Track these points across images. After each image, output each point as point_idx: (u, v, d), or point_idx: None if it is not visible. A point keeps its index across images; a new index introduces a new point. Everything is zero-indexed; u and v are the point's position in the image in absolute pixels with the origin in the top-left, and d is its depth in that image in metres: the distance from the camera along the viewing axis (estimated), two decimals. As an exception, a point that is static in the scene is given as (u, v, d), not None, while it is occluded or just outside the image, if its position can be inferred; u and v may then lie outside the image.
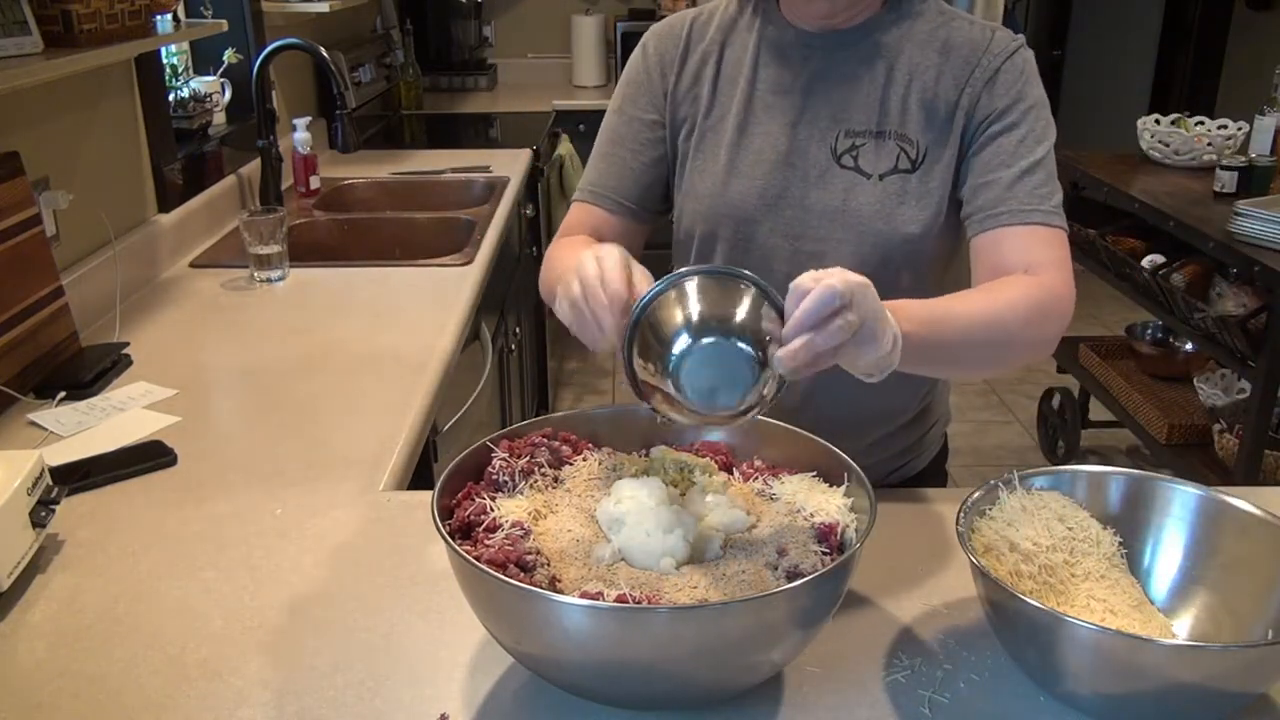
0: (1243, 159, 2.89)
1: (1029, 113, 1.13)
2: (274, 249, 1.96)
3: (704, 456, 0.99)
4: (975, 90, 1.13)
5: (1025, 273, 1.08)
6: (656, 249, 1.30)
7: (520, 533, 0.86)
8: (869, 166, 1.15)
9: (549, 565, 0.84)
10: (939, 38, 1.16)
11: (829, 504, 0.91)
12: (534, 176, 3.20)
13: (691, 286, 0.82)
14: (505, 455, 0.95)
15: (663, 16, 4.71)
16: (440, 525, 0.84)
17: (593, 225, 1.25)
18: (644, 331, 0.82)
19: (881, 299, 1.13)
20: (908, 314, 0.93)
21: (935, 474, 1.41)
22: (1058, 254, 1.10)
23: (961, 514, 0.92)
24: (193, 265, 2.10)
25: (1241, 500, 0.94)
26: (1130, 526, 0.97)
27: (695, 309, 0.80)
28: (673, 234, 1.30)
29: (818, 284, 0.80)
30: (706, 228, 1.22)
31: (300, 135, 2.59)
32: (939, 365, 1.09)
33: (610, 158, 1.26)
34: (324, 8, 2.85)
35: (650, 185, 1.26)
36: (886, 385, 1.22)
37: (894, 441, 1.32)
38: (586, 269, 0.86)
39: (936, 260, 1.20)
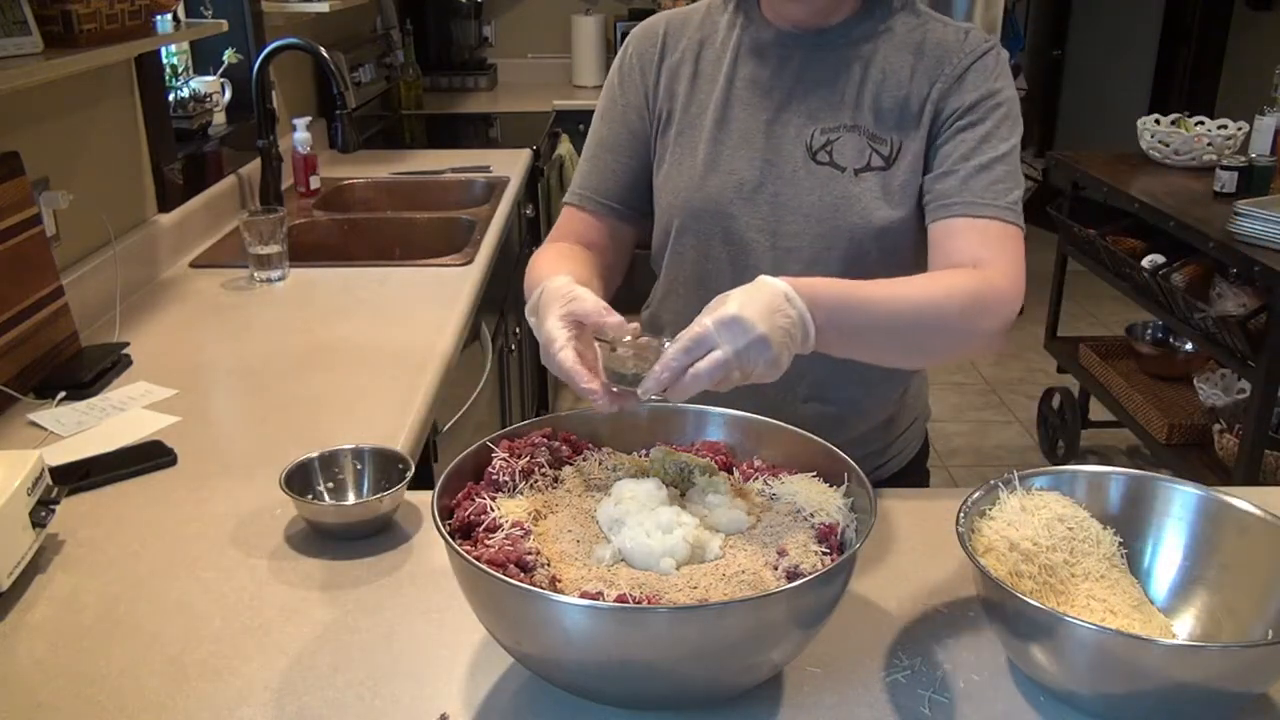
0: (1243, 159, 2.89)
1: (995, 110, 1.15)
2: (274, 249, 1.96)
3: (704, 456, 0.99)
4: (945, 87, 1.15)
5: (973, 267, 1.08)
6: (647, 248, 1.31)
7: (520, 533, 0.86)
8: (844, 161, 1.17)
9: (549, 565, 0.84)
10: (914, 39, 1.18)
11: (829, 504, 0.91)
12: (534, 176, 3.20)
13: None
14: (505, 455, 0.95)
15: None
16: (440, 525, 0.84)
17: (581, 229, 1.27)
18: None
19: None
20: (817, 297, 0.94)
21: (916, 472, 1.40)
22: (1008, 250, 1.10)
23: (961, 514, 0.92)
24: (193, 265, 2.10)
25: (1241, 500, 0.94)
26: (1130, 526, 0.98)
27: None
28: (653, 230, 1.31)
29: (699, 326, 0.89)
30: (683, 221, 1.23)
31: (300, 135, 2.59)
32: (858, 348, 1.04)
33: (595, 161, 1.28)
34: (324, 8, 2.85)
35: (635, 186, 1.27)
36: (862, 382, 1.25)
37: (871, 440, 1.31)
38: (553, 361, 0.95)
39: (912, 252, 1.20)
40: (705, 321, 0.89)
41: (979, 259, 1.09)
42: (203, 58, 2.60)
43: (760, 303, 0.90)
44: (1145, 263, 2.97)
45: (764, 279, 0.93)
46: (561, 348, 0.94)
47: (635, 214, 1.29)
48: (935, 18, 1.21)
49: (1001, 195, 1.12)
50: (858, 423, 1.29)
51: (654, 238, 1.30)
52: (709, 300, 1.19)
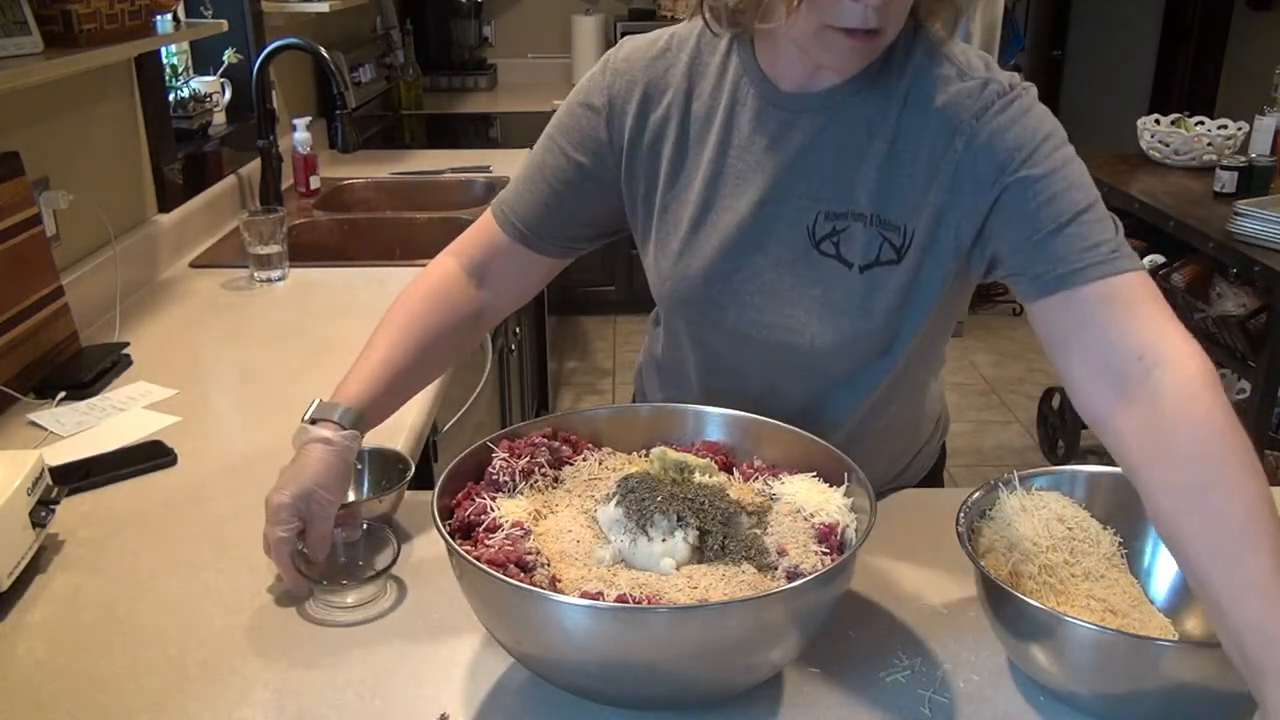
0: (1243, 159, 2.89)
1: (1033, 149, 0.96)
2: (274, 249, 1.96)
3: (704, 457, 0.99)
4: (955, 165, 0.98)
5: (1155, 364, 0.86)
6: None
7: (520, 533, 0.86)
8: (851, 255, 1.03)
9: (549, 565, 0.84)
10: (928, 95, 1.00)
11: (829, 504, 0.91)
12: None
13: None
14: (505, 455, 0.95)
15: (663, 17, 4.72)
16: (440, 525, 0.84)
17: (488, 245, 1.17)
18: None
19: (870, 377, 1.10)
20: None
21: (933, 481, 1.35)
22: (1165, 306, 0.90)
23: (961, 514, 0.92)
24: (193, 265, 2.10)
25: (1241, 500, 0.94)
26: (1130, 526, 0.97)
27: None
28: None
29: None
30: (669, 307, 1.14)
31: (300, 135, 2.59)
32: None
33: (530, 182, 1.15)
34: (324, 8, 2.85)
35: (562, 223, 1.15)
36: (897, 420, 1.19)
37: (896, 459, 1.27)
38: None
39: (919, 340, 1.09)
40: None
41: (1153, 341, 0.87)
42: (203, 58, 2.60)
43: None
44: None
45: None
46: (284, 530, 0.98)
47: (556, 249, 1.17)
48: (951, 61, 1.00)
49: (1109, 240, 0.94)
50: (874, 463, 1.17)
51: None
52: (717, 378, 1.16)
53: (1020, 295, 0.99)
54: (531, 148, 1.24)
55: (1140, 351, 0.87)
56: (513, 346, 2.61)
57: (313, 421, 1.04)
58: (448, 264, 1.19)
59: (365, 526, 1.06)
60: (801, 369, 1.10)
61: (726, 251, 1.07)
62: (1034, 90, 1.01)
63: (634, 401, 1.41)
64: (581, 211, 1.15)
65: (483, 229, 1.20)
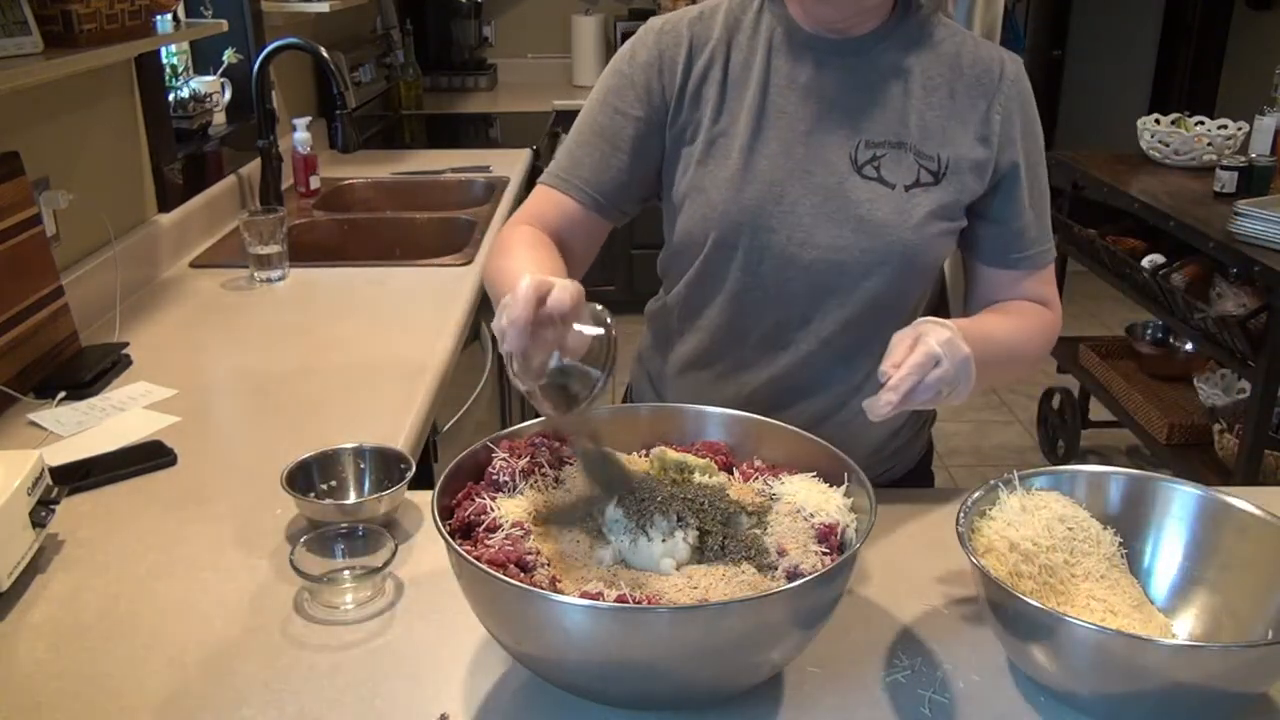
0: (1243, 159, 2.89)
1: (1037, 138, 1.19)
2: (274, 249, 1.96)
3: (704, 457, 0.99)
4: (1000, 118, 1.16)
5: (1042, 304, 1.22)
6: (645, 248, 1.28)
7: (520, 533, 0.86)
8: (892, 177, 1.14)
9: (549, 565, 0.84)
10: (949, 53, 1.16)
11: (829, 504, 0.91)
12: (534, 176, 3.18)
13: None
14: (505, 455, 0.95)
15: (663, 16, 4.47)
16: (440, 525, 0.84)
17: (556, 214, 1.19)
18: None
19: (896, 305, 1.19)
20: (968, 336, 1.01)
21: (922, 474, 1.38)
22: (1054, 282, 1.25)
23: (961, 514, 0.92)
24: (193, 265, 2.10)
25: (1241, 500, 0.94)
26: (1130, 526, 0.98)
27: None
28: (668, 239, 1.25)
29: (916, 345, 0.96)
30: (719, 234, 1.17)
31: (300, 135, 2.59)
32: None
33: (588, 147, 1.20)
34: (324, 8, 2.85)
35: (624, 184, 1.20)
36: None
37: (878, 449, 1.29)
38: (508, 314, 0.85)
39: (938, 265, 1.22)
40: (930, 341, 0.96)
41: (1044, 298, 1.22)
42: (203, 58, 2.60)
43: (952, 333, 0.98)
44: (1145, 263, 2.97)
45: (927, 320, 1.01)
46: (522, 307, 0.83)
47: (614, 211, 1.21)
48: (964, 32, 1.19)
49: (1049, 232, 1.22)
50: (865, 438, 1.25)
51: (672, 245, 1.24)
52: (746, 312, 1.20)
53: (975, 254, 1.22)
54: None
55: (1040, 300, 1.22)
56: (513, 346, 2.61)
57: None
58: (526, 226, 1.19)
59: (362, 531, 1.06)
60: (841, 291, 1.17)
61: (777, 177, 1.16)
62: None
63: (626, 400, 1.42)
64: (640, 167, 1.21)
65: (545, 200, 1.21)
